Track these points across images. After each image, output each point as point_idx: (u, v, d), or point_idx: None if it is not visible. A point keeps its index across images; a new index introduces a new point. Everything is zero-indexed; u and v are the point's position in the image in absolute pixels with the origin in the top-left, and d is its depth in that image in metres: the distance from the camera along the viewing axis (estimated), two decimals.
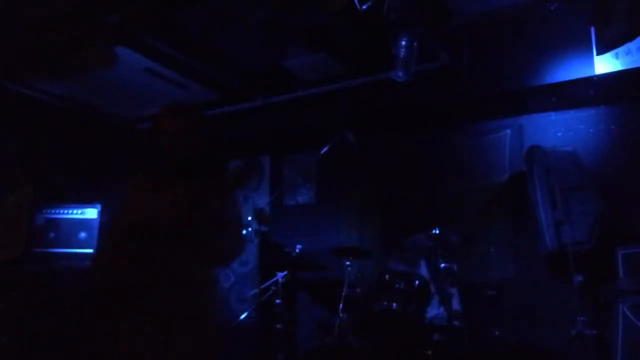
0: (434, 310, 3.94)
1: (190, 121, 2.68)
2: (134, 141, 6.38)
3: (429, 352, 3.64)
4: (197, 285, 2.52)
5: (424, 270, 4.39)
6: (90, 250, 5.23)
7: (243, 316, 4.56)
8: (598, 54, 3.86)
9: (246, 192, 6.04)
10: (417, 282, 3.97)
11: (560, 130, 4.50)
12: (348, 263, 4.27)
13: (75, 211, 5.32)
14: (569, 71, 4.28)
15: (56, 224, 5.26)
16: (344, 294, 4.10)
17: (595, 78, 4.19)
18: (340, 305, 4.05)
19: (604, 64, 4.12)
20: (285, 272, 4.43)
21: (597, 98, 4.35)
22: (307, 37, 4.50)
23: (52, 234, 5.23)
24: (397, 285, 3.96)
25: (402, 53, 3.91)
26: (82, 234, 5.27)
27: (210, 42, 4.54)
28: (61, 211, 5.30)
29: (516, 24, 4.43)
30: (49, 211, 5.28)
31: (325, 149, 4.40)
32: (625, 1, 3.18)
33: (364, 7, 3.43)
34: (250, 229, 5.10)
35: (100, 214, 5.33)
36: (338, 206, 5.45)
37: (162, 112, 2.67)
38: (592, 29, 4.11)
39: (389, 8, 3.57)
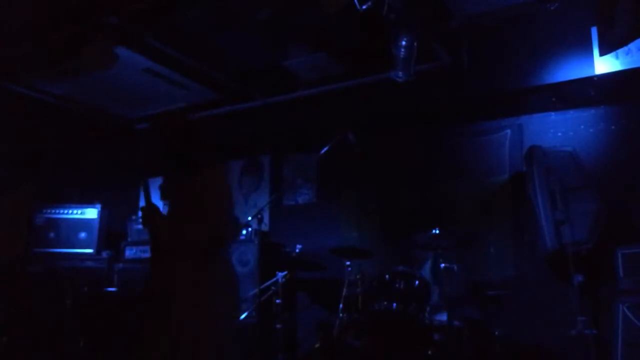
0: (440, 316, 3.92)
1: (182, 123, 2.83)
2: (134, 141, 6.39)
3: (429, 352, 3.64)
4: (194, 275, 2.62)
5: (424, 270, 4.39)
6: (90, 250, 5.24)
7: (243, 316, 4.55)
8: (601, 54, 3.86)
9: (246, 191, 6.05)
10: (417, 282, 3.97)
11: (560, 130, 4.50)
12: (348, 263, 4.27)
13: (75, 211, 5.33)
14: (569, 71, 4.28)
15: (56, 224, 5.28)
16: (344, 294, 4.10)
17: (595, 78, 4.20)
18: (340, 305, 4.05)
19: (604, 64, 4.13)
20: (285, 272, 4.43)
21: (597, 98, 4.35)
22: (307, 37, 4.50)
23: (52, 234, 5.24)
24: (397, 285, 3.95)
25: (402, 53, 3.91)
26: (82, 234, 5.28)
27: (211, 42, 4.54)
28: (61, 211, 5.31)
29: (516, 24, 4.43)
30: (49, 211, 5.30)
31: (325, 149, 4.40)
32: (628, 2, 3.18)
33: (364, 7, 3.42)
34: (250, 229, 5.10)
35: (100, 213, 5.34)
36: (338, 206, 5.45)
37: (158, 115, 2.84)
38: (593, 29, 4.12)
39: (389, 8, 3.58)
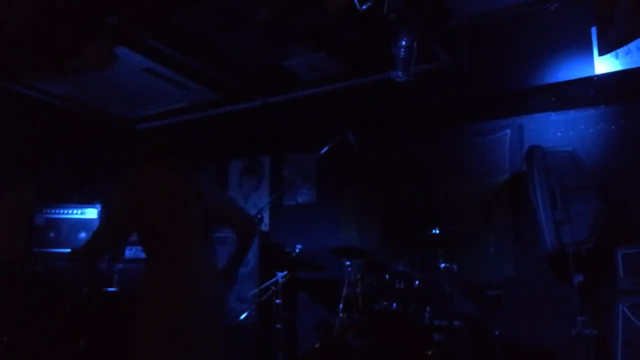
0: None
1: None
2: (134, 141, 6.39)
3: (429, 352, 3.64)
4: None
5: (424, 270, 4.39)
6: None
7: (243, 316, 4.55)
8: (600, 54, 3.86)
9: (246, 191, 6.05)
10: (417, 282, 3.97)
11: (560, 130, 4.50)
12: (348, 263, 4.27)
13: (75, 211, 5.33)
14: (569, 71, 4.28)
15: (56, 224, 5.27)
16: (344, 294, 4.10)
17: (595, 78, 4.19)
18: (340, 305, 4.05)
19: (604, 64, 4.12)
20: (285, 272, 4.43)
21: (597, 98, 4.35)
22: (307, 37, 4.50)
23: (52, 234, 5.24)
24: (397, 285, 3.95)
25: (402, 53, 3.91)
26: (82, 234, 5.27)
27: (210, 42, 4.55)
28: (61, 211, 5.31)
29: (516, 24, 4.43)
30: (49, 211, 5.29)
31: (325, 149, 4.40)
32: (627, 1, 3.18)
33: (364, 7, 3.42)
34: None
35: (100, 213, 5.34)
36: (338, 206, 5.45)
37: None
38: (593, 29, 4.11)
39: (389, 8, 3.58)
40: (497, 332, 3.88)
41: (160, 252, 2.76)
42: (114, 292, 4.93)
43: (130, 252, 5.25)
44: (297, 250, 4.67)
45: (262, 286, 4.45)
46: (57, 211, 5.31)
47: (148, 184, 2.84)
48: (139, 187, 2.81)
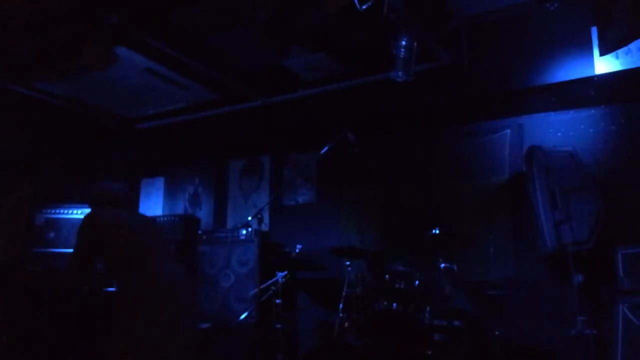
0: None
1: None
2: (134, 141, 6.40)
3: (429, 352, 3.64)
4: None
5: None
6: None
7: (243, 316, 4.55)
8: (601, 55, 3.86)
9: (246, 191, 6.05)
10: (417, 282, 3.97)
11: (560, 130, 4.50)
12: (348, 263, 4.27)
13: (75, 211, 5.32)
14: (569, 71, 4.29)
15: (56, 224, 5.27)
16: (344, 294, 4.10)
17: (595, 78, 4.20)
18: (340, 305, 4.05)
19: (604, 64, 4.13)
20: (285, 272, 4.42)
21: (597, 98, 4.35)
22: (307, 37, 4.50)
23: (52, 234, 5.24)
24: (397, 285, 3.96)
25: (402, 53, 3.91)
26: None
27: (211, 42, 4.55)
28: (61, 211, 5.31)
29: (516, 24, 4.43)
30: (49, 211, 5.29)
31: (325, 149, 4.40)
32: (627, 2, 3.18)
33: (364, 7, 3.42)
34: (250, 229, 5.11)
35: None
36: (338, 206, 5.45)
37: None
38: (593, 30, 4.12)
39: (389, 8, 3.58)
40: (497, 332, 3.88)
41: (131, 272, 3.24)
42: (114, 292, 4.93)
43: None
44: (297, 250, 4.67)
45: (262, 286, 4.44)
46: (57, 211, 5.31)
47: (107, 222, 3.31)
48: (100, 224, 3.29)
